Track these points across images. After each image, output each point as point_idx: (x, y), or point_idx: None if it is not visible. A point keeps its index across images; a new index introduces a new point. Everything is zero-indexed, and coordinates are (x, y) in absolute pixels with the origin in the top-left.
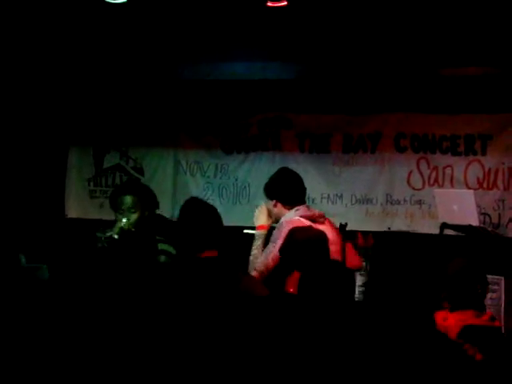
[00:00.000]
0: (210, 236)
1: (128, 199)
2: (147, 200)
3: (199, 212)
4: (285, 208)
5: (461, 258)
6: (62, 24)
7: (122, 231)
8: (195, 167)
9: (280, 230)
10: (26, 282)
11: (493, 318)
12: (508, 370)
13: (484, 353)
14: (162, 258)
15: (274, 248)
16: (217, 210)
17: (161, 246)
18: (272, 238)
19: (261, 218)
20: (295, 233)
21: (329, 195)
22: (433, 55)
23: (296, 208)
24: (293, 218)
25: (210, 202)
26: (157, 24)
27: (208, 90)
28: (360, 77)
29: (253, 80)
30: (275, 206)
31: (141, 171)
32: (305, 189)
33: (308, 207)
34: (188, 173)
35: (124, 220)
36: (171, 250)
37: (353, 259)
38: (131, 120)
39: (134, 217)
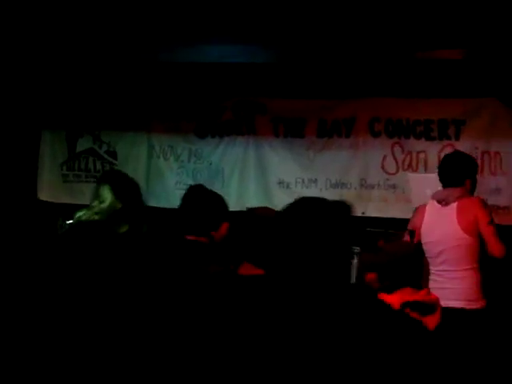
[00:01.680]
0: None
1: (98, 189)
2: (120, 191)
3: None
4: None
5: (398, 240)
6: (34, 6)
7: (79, 221)
8: (169, 151)
9: None
10: None
11: (429, 293)
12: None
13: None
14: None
15: None
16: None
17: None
18: None
19: None
20: None
21: (303, 180)
22: (407, 39)
23: None
24: None
25: (184, 186)
26: (131, 6)
27: (182, 74)
28: (334, 61)
29: (227, 64)
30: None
31: (114, 155)
32: None
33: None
34: (161, 157)
35: (82, 211)
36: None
37: None
38: (104, 104)
39: (102, 207)
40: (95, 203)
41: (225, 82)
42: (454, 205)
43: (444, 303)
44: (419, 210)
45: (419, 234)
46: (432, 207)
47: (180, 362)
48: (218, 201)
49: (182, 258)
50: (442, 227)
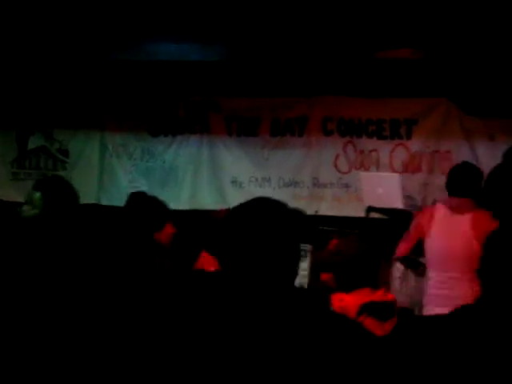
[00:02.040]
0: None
1: (31, 194)
2: (51, 201)
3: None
4: None
5: (353, 239)
6: None
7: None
8: (121, 150)
9: None
10: None
11: (385, 293)
12: (405, 342)
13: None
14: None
15: None
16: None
17: None
18: None
19: None
20: None
21: (257, 178)
22: (360, 38)
23: None
24: None
25: (137, 184)
26: (83, 3)
27: (136, 72)
28: (288, 59)
29: (180, 62)
30: None
31: (66, 153)
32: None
33: None
34: (114, 156)
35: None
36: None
37: None
38: (57, 101)
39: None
40: (26, 208)
41: (178, 80)
42: (469, 215)
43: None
44: (427, 213)
45: (425, 238)
46: (441, 213)
47: (121, 352)
48: (157, 205)
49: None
50: (455, 235)
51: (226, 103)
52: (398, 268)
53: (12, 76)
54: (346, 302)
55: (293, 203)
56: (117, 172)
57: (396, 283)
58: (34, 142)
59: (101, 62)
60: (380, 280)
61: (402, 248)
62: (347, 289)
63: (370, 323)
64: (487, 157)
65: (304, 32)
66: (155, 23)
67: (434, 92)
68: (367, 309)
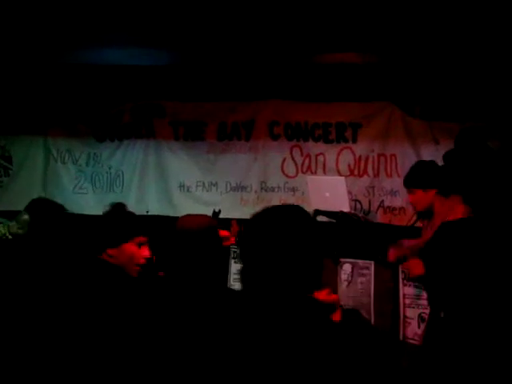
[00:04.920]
0: None
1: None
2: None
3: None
4: None
5: None
6: None
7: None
8: (66, 155)
9: None
10: None
11: (330, 294)
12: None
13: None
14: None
15: None
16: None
17: None
18: None
19: None
20: None
21: (204, 183)
22: (306, 42)
23: None
24: None
25: (83, 190)
26: (28, 8)
27: (80, 76)
28: (234, 64)
29: (125, 66)
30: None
31: (9, 160)
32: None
33: None
34: (59, 161)
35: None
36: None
37: None
38: None
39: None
40: (12, 224)
41: (124, 84)
42: None
43: None
44: None
45: None
46: None
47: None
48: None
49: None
50: None
51: (171, 107)
52: (345, 271)
53: None
54: None
55: (240, 207)
56: (62, 178)
57: (343, 286)
58: None
59: (46, 65)
60: (327, 282)
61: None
62: None
63: None
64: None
65: (250, 36)
66: (101, 27)
67: (380, 96)
68: None
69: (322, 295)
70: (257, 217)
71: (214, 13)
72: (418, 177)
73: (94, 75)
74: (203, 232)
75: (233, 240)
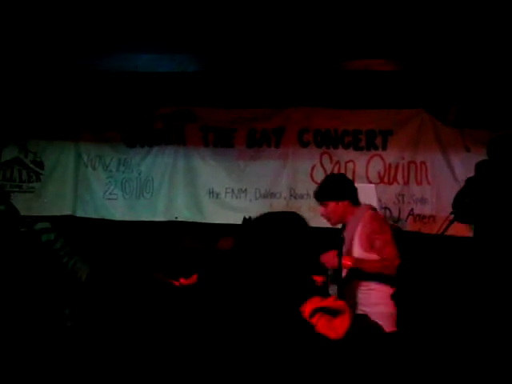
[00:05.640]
0: None
1: None
2: None
3: None
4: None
5: None
6: None
7: None
8: (97, 161)
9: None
10: None
11: (336, 300)
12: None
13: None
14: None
15: None
16: None
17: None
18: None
19: None
20: None
21: (233, 189)
22: (337, 49)
23: None
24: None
25: (113, 196)
26: (60, 14)
27: (112, 83)
28: (265, 71)
29: (157, 73)
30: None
31: (41, 165)
32: None
33: None
34: (90, 167)
35: None
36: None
37: None
38: (31, 112)
39: None
40: None
41: (155, 90)
42: None
43: None
44: None
45: None
46: None
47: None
48: None
49: None
50: None
51: (201, 114)
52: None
53: None
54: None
55: None
56: (92, 183)
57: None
58: (7, 154)
59: (78, 72)
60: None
61: None
62: None
63: (322, 324)
64: (463, 168)
65: (282, 43)
66: (134, 34)
67: (411, 103)
68: (320, 310)
69: (329, 302)
70: (247, 227)
71: (243, 20)
72: (331, 189)
73: (125, 82)
74: None
75: None
